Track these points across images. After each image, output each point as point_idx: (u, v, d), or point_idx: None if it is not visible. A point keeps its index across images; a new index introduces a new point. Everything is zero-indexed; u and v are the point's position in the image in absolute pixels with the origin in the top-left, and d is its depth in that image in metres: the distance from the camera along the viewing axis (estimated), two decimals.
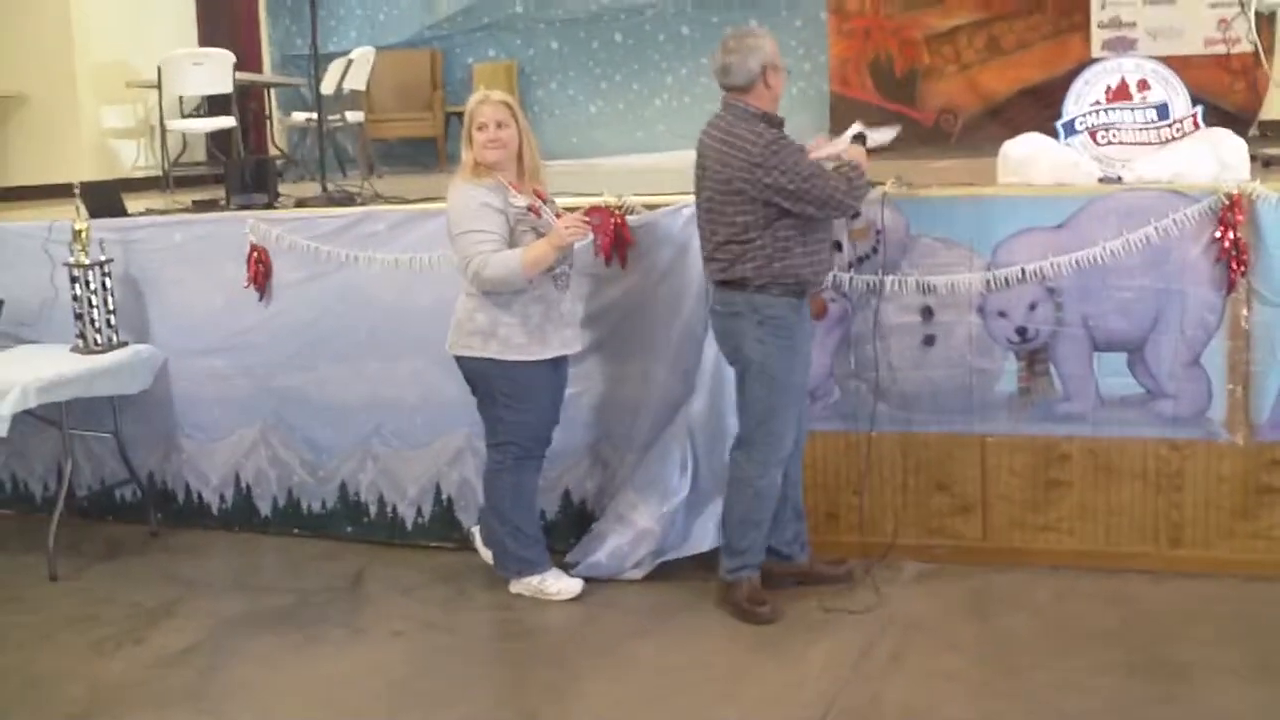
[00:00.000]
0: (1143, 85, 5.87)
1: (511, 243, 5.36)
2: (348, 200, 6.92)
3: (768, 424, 5.28)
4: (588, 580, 5.73)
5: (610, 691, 4.84)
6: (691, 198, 5.48)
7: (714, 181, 5.19)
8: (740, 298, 5.20)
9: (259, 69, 11.47)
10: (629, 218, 5.95)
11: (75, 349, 6.51)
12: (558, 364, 5.62)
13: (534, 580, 5.68)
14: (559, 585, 5.67)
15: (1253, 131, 8.74)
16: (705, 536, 5.76)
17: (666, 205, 5.92)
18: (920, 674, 4.84)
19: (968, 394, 5.80)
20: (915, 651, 5.02)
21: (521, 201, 5.44)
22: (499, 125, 5.46)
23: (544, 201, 5.56)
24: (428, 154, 11.38)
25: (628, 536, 5.81)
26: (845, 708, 4.60)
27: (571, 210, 5.66)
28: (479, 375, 5.55)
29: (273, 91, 11.67)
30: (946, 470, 5.86)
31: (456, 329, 5.53)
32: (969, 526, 5.87)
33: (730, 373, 5.51)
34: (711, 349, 5.67)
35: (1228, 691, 4.59)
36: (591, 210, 5.58)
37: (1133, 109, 5.88)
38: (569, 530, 6.08)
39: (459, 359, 5.56)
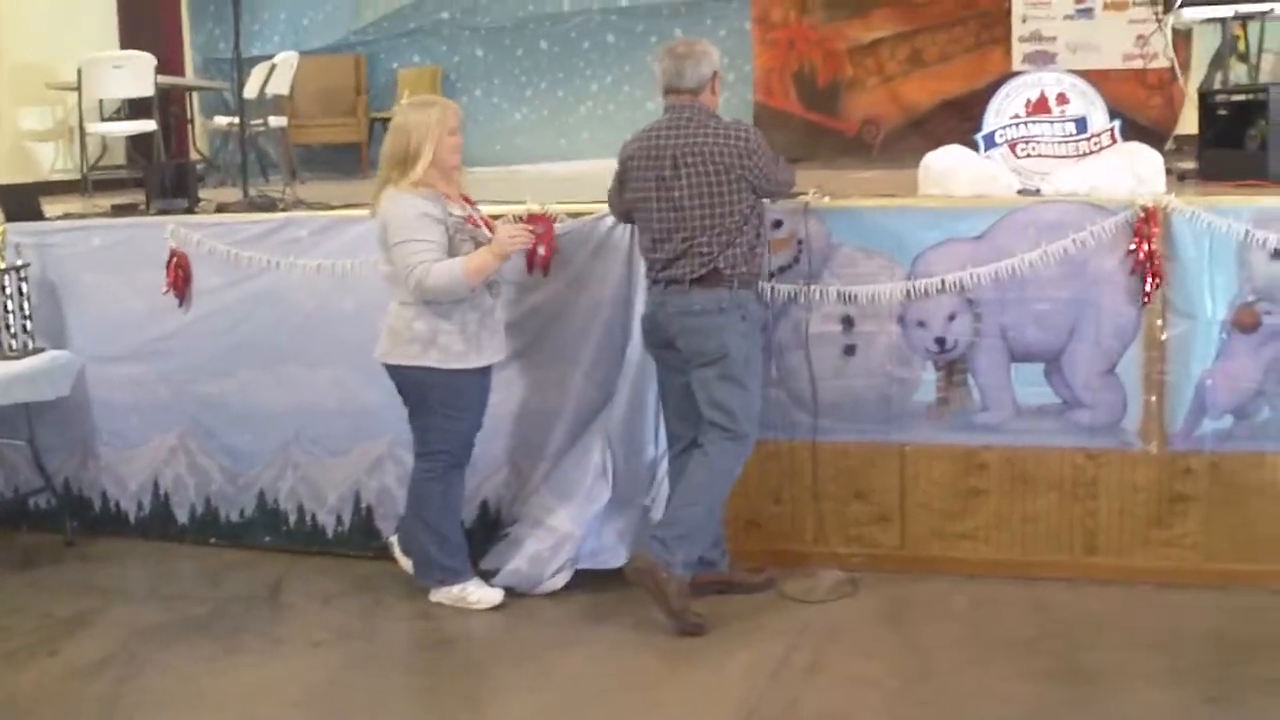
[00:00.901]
0: (1062, 99, 5.94)
1: (451, 252, 5.35)
2: (269, 206, 6.86)
3: (755, 413, 5.39)
4: (508, 589, 5.71)
5: (529, 701, 4.83)
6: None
7: (704, 174, 5.21)
8: (722, 294, 5.24)
9: (181, 72, 11.37)
10: (554, 225, 5.94)
11: None
12: (486, 371, 5.61)
13: (455, 589, 5.66)
14: (480, 594, 5.65)
15: (1169, 146, 8.83)
16: (621, 547, 5.76)
17: (588, 214, 5.92)
18: (838, 681, 4.86)
19: (887, 403, 5.83)
20: (834, 659, 5.05)
21: (459, 211, 5.43)
22: (460, 130, 5.54)
23: (472, 206, 5.56)
24: (350, 160, 11.32)
25: (548, 542, 5.78)
26: (764, 715, 4.61)
27: (496, 218, 5.67)
28: (414, 384, 5.51)
29: (195, 95, 11.58)
30: (866, 479, 5.89)
31: (392, 337, 5.49)
32: (888, 535, 5.90)
33: (650, 380, 5.56)
34: (635, 354, 5.70)
35: (1141, 697, 4.64)
36: (532, 218, 5.56)
37: (1052, 122, 5.95)
38: (485, 539, 6.03)
39: (393, 368, 5.52)
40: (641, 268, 5.64)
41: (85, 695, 5.01)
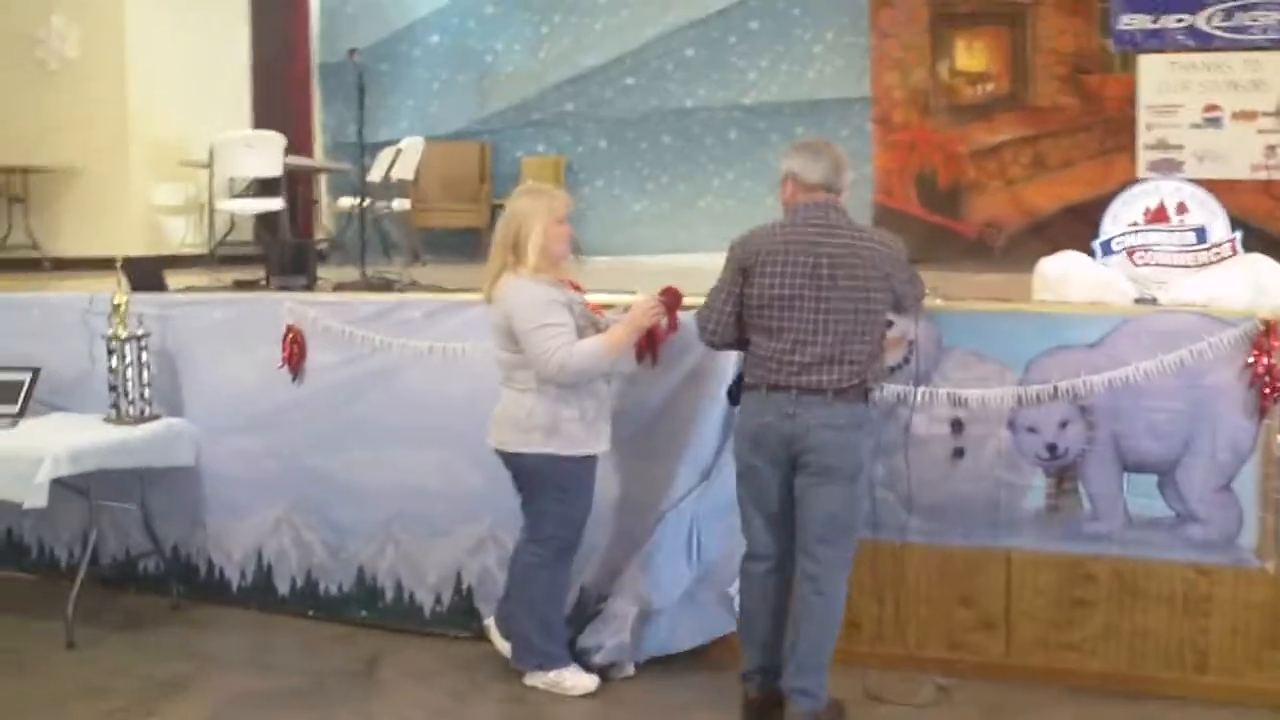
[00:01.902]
0: (1181, 208, 5.89)
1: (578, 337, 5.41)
2: (385, 286, 6.97)
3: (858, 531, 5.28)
4: (602, 673, 5.69)
5: None
6: None
7: (859, 279, 4.97)
8: (862, 408, 5.04)
9: (310, 154, 11.65)
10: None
11: (108, 419, 6.55)
12: (597, 459, 5.63)
13: (551, 674, 5.64)
14: (575, 680, 5.62)
15: None
16: (704, 630, 5.84)
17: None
18: None
19: (995, 508, 5.74)
20: None
21: (580, 297, 5.49)
22: (569, 220, 5.59)
23: (580, 293, 5.61)
24: (472, 244, 11.48)
25: (636, 618, 5.83)
26: None
27: (607, 308, 5.71)
28: (534, 471, 5.52)
29: (323, 177, 11.83)
30: (971, 584, 5.80)
31: (512, 426, 5.50)
32: (992, 642, 5.79)
33: (729, 470, 5.47)
34: (724, 448, 5.67)
35: None
36: (665, 291, 5.56)
37: (1170, 230, 5.88)
38: (580, 622, 5.96)
39: (512, 455, 5.54)
40: None
41: None
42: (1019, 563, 5.75)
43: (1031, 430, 5.67)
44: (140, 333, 6.55)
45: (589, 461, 5.54)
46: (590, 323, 5.48)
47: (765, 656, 5.25)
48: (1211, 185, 6.10)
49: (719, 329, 5.16)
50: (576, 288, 5.63)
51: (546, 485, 5.51)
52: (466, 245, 11.57)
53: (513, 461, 5.56)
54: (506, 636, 5.82)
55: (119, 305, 6.51)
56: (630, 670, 5.81)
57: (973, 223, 10.51)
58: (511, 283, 5.44)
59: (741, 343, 5.19)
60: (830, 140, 5.39)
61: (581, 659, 5.74)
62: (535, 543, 5.60)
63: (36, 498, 6.02)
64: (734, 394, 5.29)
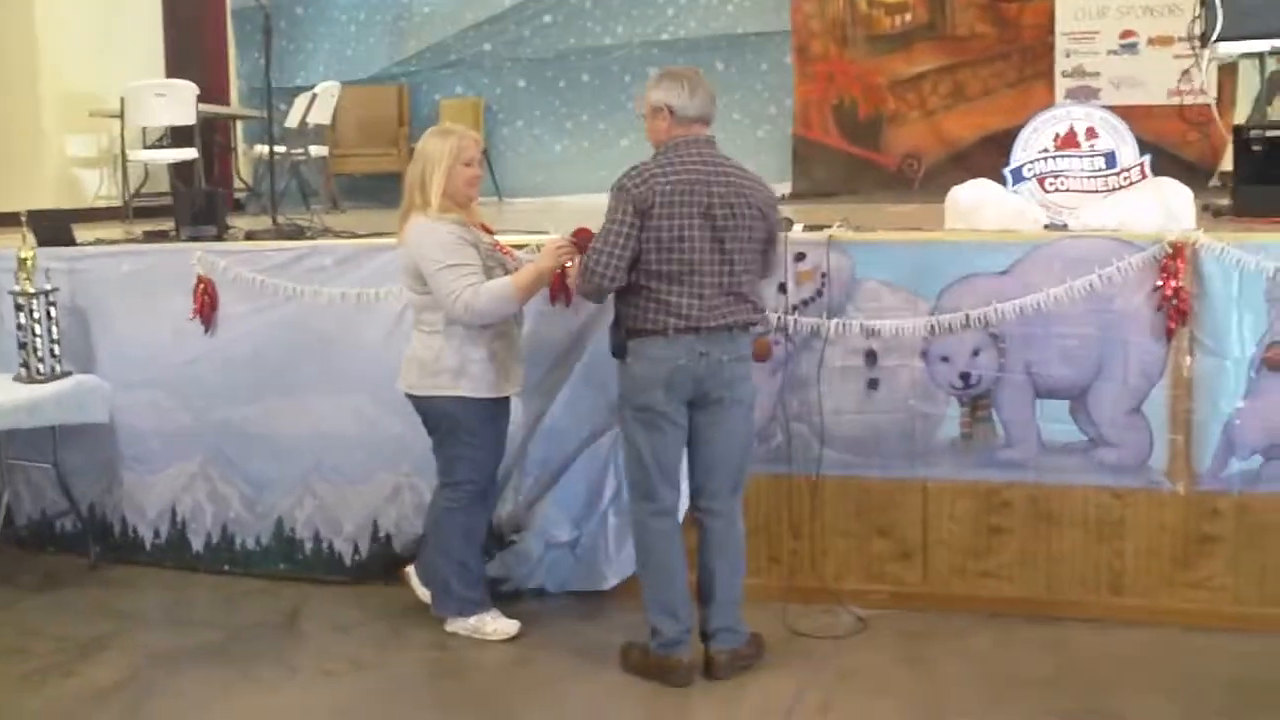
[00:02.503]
0: (1091, 133, 5.89)
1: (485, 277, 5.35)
2: (297, 234, 6.88)
3: None
4: (515, 607, 5.75)
5: None
6: None
7: (751, 219, 4.99)
8: (745, 340, 5.12)
9: (226, 101, 11.47)
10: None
11: (18, 378, 6.46)
12: (508, 401, 5.60)
13: (472, 620, 5.63)
14: (496, 625, 5.62)
15: (1213, 182, 8.77)
16: (620, 570, 5.88)
17: None
18: None
19: (910, 438, 5.77)
20: (847, 698, 4.98)
21: (487, 238, 5.43)
22: (479, 163, 5.51)
23: (490, 235, 5.56)
24: (391, 189, 11.25)
25: (552, 550, 5.95)
26: None
27: (520, 248, 5.68)
28: (443, 415, 5.49)
29: (239, 124, 11.67)
30: (888, 515, 5.83)
31: (419, 369, 5.47)
32: (910, 572, 5.83)
33: None
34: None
35: None
36: (578, 232, 5.52)
37: (1081, 156, 5.89)
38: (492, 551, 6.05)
39: (421, 399, 5.50)
40: None
41: (97, 719, 5.01)
42: (935, 492, 5.78)
43: (945, 360, 5.69)
44: (48, 288, 6.45)
45: (500, 404, 5.51)
46: (499, 264, 5.43)
47: (691, 612, 5.19)
48: (1128, 111, 6.11)
49: (615, 274, 4.93)
50: (487, 230, 5.58)
51: (457, 429, 5.47)
52: (386, 191, 11.38)
53: (422, 405, 5.52)
54: (426, 584, 5.80)
55: (25, 260, 6.40)
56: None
57: (893, 154, 10.49)
58: (418, 223, 5.39)
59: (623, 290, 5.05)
60: (698, 68, 5.32)
61: (491, 588, 5.79)
62: (449, 487, 5.57)
63: None
64: (621, 347, 5.10)
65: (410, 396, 5.53)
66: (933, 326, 5.67)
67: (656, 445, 5.07)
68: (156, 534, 6.71)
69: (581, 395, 5.96)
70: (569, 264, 5.42)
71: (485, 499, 5.66)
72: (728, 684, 5.10)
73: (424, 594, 5.81)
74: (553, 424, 6.01)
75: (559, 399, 5.99)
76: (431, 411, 5.52)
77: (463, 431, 5.48)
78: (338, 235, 6.82)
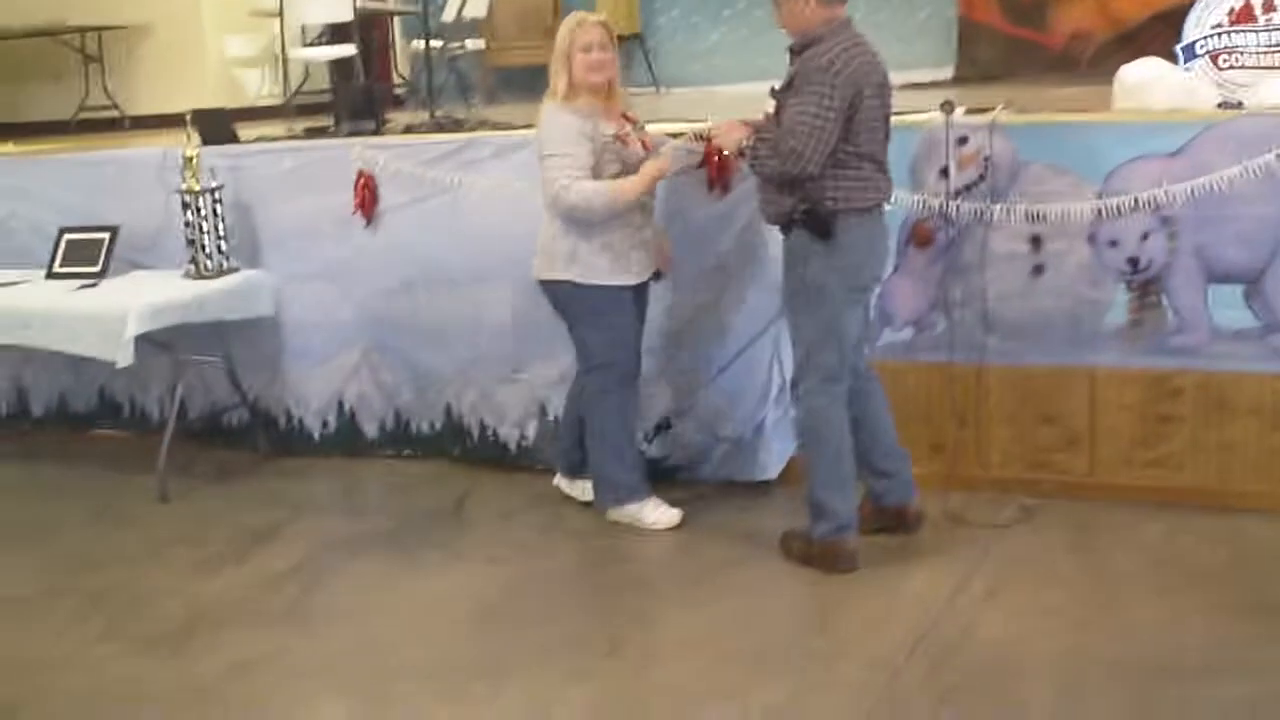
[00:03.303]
0: (1268, 6, 5.65)
1: (595, 171, 5.32)
2: (455, 126, 6.91)
3: None
4: (674, 494, 5.78)
5: (697, 620, 4.82)
6: None
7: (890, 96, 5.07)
8: None
9: None
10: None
11: (187, 274, 6.60)
12: (640, 289, 5.59)
13: (632, 508, 5.66)
14: (656, 515, 5.65)
15: None
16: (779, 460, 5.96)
17: None
18: (1016, 609, 4.74)
19: (1077, 325, 5.64)
20: (1013, 586, 4.92)
21: (610, 129, 5.40)
22: (601, 48, 5.42)
23: (634, 125, 5.51)
24: (547, 82, 11.31)
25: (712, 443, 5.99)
26: (937, 641, 4.52)
27: (677, 136, 5.64)
28: (563, 298, 5.53)
29: (397, 20, 11.70)
30: (1053, 403, 5.71)
31: (541, 252, 5.52)
32: (1076, 461, 5.72)
33: None
34: None
35: None
36: (702, 139, 5.40)
37: (1257, 31, 5.66)
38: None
39: (543, 282, 5.55)
40: None
41: (269, 603, 5.16)
42: (1103, 379, 5.65)
43: (1113, 244, 5.54)
44: (214, 185, 6.56)
45: (615, 291, 5.48)
46: (617, 158, 5.39)
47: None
48: None
49: (823, 157, 4.86)
50: (630, 119, 5.54)
51: (578, 311, 5.51)
52: (543, 83, 11.37)
53: (545, 289, 5.58)
54: (573, 476, 5.86)
55: (190, 159, 6.51)
56: None
57: (1059, 35, 10.16)
58: (543, 110, 5.47)
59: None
60: None
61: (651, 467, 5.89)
62: (590, 373, 5.60)
63: (125, 355, 6.11)
64: (829, 227, 4.99)
65: (538, 281, 5.57)
66: (1100, 210, 5.51)
67: (852, 321, 5.10)
68: (325, 424, 6.85)
69: (744, 292, 5.96)
70: (729, 153, 5.37)
71: (629, 382, 5.64)
72: (890, 571, 5.08)
73: (577, 489, 5.87)
74: (714, 319, 6.01)
75: (722, 295, 5.98)
76: (551, 296, 5.58)
77: (585, 313, 5.50)
78: (495, 127, 6.83)
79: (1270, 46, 5.63)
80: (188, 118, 6.70)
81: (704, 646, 4.62)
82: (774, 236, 5.65)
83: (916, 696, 4.24)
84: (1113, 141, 5.53)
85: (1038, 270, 5.65)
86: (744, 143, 5.11)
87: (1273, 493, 5.46)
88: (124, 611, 5.15)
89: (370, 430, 6.78)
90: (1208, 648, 4.38)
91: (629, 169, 5.39)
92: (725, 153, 5.54)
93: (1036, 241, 5.63)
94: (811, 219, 4.97)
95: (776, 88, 5.05)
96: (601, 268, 5.41)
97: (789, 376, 5.54)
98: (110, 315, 6.20)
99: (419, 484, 6.38)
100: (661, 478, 5.93)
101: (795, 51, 5.00)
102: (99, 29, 10.11)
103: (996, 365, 5.71)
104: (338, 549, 5.66)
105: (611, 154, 5.38)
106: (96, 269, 6.75)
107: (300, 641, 4.85)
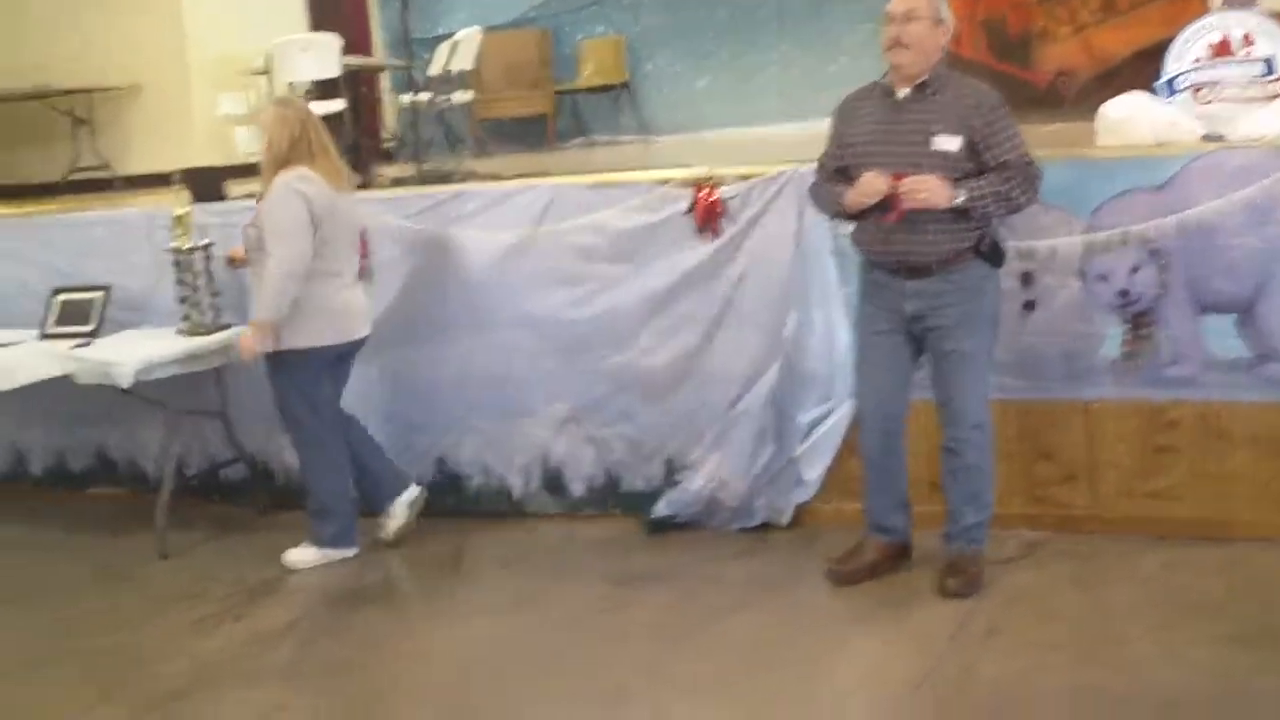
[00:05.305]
0: (1247, 40, 5.69)
1: None
2: (443, 179, 6.95)
3: None
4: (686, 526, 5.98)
5: (702, 667, 4.80)
6: (791, 166, 5.58)
7: None
8: None
9: (369, 52, 11.56)
10: (722, 189, 5.93)
11: (180, 331, 6.59)
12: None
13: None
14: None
15: None
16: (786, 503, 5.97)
17: (756, 176, 5.93)
18: (1018, 645, 4.73)
19: (1071, 359, 5.65)
20: (1014, 623, 4.91)
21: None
22: None
23: None
24: (537, 132, 11.40)
25: (715, 491, 6.01)
26: (940, 680, 4.51)
27: (663, 183, 5.72)
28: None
29: (387, 75, 11.76)
30: (1050, 438, 5.72)
31: None
32: (1075, 495, 5.72)
33: (809, 341, 5.78)
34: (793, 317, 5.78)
35: None
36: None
37: (1237, 64, 5.69)
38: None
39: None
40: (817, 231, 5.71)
41: (268, 660, 5.16)
42: (1099, 413, 5.65)
43: (1103, 278, 5.55)
44: (204, 243, 6.57)
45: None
46: None
47: None
48: None
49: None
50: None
51: None
52: (531, 134, 11.48)
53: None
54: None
55: (180, 217, 6.53)
56: None
57: (1043, 72, 10.24)
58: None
59: None
60: None
61: (660, 526, 6.00)
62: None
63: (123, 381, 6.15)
64: (1002, 255, 5.16)
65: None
66: (1089, 245, 5.53)
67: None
68: None
69: (740, 336, 6.02)
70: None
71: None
72: (888, 611, 5.10)
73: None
74: (709, 366, 6.09)
75: (715, 342, 6.06)
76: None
77: None
78: (481, 179, 6.88)
79: (1250, 79, 5.66)
80: (175, 177, 6.72)
81: (711, 693, 4.61)
82: (770, 279, 5.74)
83: None
84: (1099, 176, 5.56)
85: (1029, 306, 5.66)
86: (958, 197, 4.92)
87: (1271, 521, 5.44)
88: (124, 672, 5.14)
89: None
90: (1213, 679, 4.37)
91: None
92: (902, 206, 4.96)
93: (1027, 277, 5.64)
94: (991, 249, 5.07)
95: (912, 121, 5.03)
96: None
97: (798, 419, 5.74)
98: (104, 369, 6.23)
99: (416, 535, 6.32)
100: (668, 531, 6.02)
101: (920, 85, 5.02)
102: (88, 90, 10.14)
103: (993, 401, 5.70)
104: (337, 603, 5.65)
105: None
106: (89, 328, 6.75)
107: (298, 699, 4.84)
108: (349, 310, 5.94)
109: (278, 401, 5.99)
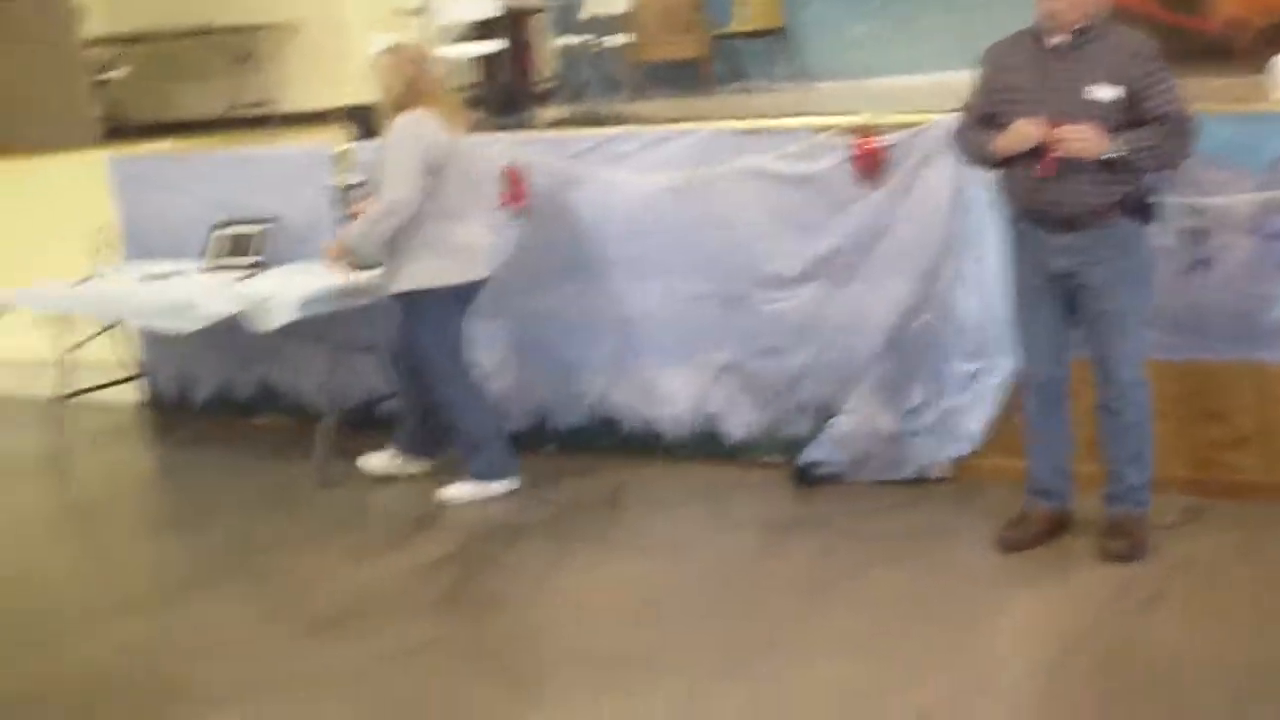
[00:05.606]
0: None
1: None
2: (597, 121, 6.95)
3: None
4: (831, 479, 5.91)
5: (853, 620, 4.77)
6: (952, 115, 5.35)
7: None
8: None
9: None
10: (884, 137, 5.86)
11: None
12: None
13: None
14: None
15: None
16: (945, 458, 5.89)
17: (918, 125, 5.84)
18: (1181, 614, 4.59)
19: (1243, 319, 5.46)
20: (1178, 590, 4.76)
21: None
22: None
23: None
24: (691, 76, 11.29)
25: (869, 439, 5.95)
26: (1096, 647, 4.40)
27: (823, 129, 5.71)
28: None
29: (545, 15, 11.74)
30: (1219, 400, 5.55)
31: None
32: (1245, 460, 5.54)
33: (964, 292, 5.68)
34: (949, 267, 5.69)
35: None
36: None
37: None
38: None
39: None
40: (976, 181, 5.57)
41: (429, 591, 5.25)
42: (1272, 375, 5.46)
43: (1277, 237, 5.37)
44: (364, 179, 6.63)
45: None
46: None
47: None
48: None
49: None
50: None
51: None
52: (686, 79, 11.38)
53: None
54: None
55: (343, 154, 6.60)
56: None
57: (1215, 21, 9.91)
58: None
59: None
60: None
61: (807, 472, 5.95)
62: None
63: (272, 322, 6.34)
64: (1153, 211, 5.04)
65: None
66: (1264, 202, 5.35)
67: None
68: None
69: (894, 283, 5.95)
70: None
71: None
72: (1048, 572, 4.99)
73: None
74: (863, 311, 6.02)
75: (868, 288, 5.99)
76: None
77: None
78: (634, 122, 6.87)
79: None
80: (344, 113, 6.79)
81: (861, 645, 4.57)
82: (928, 228, 5.64)
83: (1077, 701, 4.15)
84: (1274, 132, 5.36)
85: (1200, 264, 5.49)
86: (1113, 149, 4.79)
87: None
88: (286, 596, 5.31)
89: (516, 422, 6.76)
90: None
91: None
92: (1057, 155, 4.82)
93: (1197, 235, 5.47)
94: (1141, 205, 4.95)
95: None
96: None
97: (954, 370, 5.69)
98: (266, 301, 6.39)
99: (572, 475, 6.39)
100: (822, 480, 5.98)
101: (1078, 32, 4.86)
102: (250, 28, 10.30)
103: (1150, 361, 5.54)
104: (492, 539, 5.73)
105: None
106: (254, 260, 6.85)
107: (457, 629, 4.93)
108: (471, 250, 6.00)
109: (411, 343, 6.06)
